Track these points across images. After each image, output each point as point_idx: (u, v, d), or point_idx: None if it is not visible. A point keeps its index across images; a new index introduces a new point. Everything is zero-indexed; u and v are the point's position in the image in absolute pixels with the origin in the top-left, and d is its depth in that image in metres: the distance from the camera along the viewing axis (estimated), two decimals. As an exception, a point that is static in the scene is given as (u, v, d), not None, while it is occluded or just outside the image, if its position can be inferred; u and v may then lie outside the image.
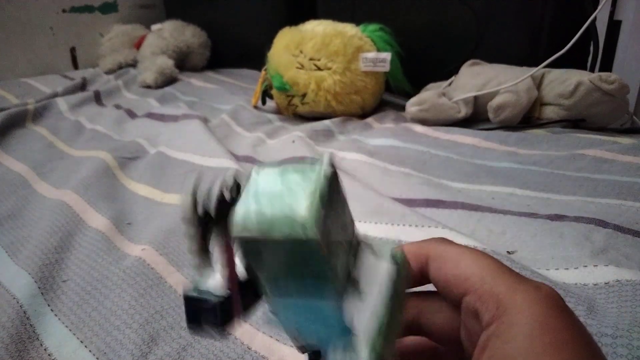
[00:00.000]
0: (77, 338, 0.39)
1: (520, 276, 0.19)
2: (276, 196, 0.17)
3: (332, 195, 0.18)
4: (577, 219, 0.49)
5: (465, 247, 0.21)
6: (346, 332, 0.18)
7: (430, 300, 0.23)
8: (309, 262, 0.17)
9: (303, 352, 0.22)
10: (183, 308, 0.19)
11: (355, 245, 0.20)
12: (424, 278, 0.22)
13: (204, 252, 0.18)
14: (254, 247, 0.18)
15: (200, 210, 0.18)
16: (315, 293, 0.18)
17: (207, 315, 0.19)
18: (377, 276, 0.19)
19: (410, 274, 0.21)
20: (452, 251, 0.21)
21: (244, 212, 0.17)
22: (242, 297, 0.19)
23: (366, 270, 0.19)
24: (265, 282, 0.19)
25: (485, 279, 0.19)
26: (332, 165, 0.18)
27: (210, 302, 0.18)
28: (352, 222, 0.20)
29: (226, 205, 0.19)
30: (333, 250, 0.18)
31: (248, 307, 0.20)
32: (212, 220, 0.19)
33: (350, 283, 0.19)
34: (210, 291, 0.19)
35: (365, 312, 0.18)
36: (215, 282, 0.19)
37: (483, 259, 0.20)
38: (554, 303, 0.18)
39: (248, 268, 0.19)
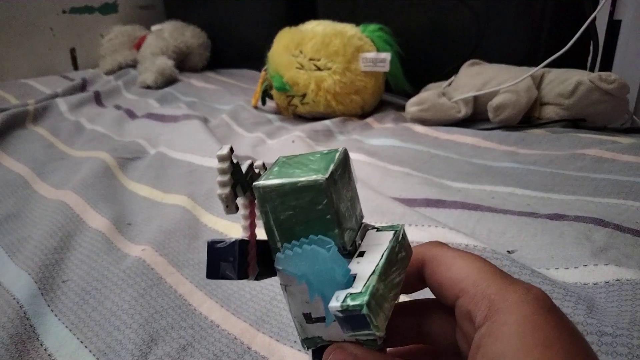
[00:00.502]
0: (77, 338, 0.39)
1: (511, 278, 0.20)
2: (296, 163, 0.22)
3: (343, 171, 0.22)
4: (577, 219, 0.49)
5: (459, 250, 0.22)
6: (349, 285, 0.20)
7: (429, 307, 0.24)
8: (318, 207, 0.20)
9: (308, 348, 0.23)
10: (205, 259, 0.21)
11: (363, 228, 0.23)
12: (420, 282, 0.23)
13: (232, 198, 0.21)
14: (274, 198, 0.21)
15: (234, 161, 0.21)
16: (322, 241, 0.21)
17: (226, 254, 0.21)
18: (379, 241, 0.22)
19: (409, 245, 0.22)
20: (446, 254, 0.22)
21: (268, 174, 0.21)
22: (258, 254, 0.22)
23: (370, 241, 0.22)
24: (280, 235, 0.21)
25: (477, 282, 0.20)
26: (346, 151, 0.23)
27: (230, 241, 0.21)
28: (360, 208, 0.23)
29: (254, 174, 0.22)
30: (340, 203, 0.21)
31: (262, 272, 0.22)
32: (241, 176, 0.21)
33: (356, 253, 0.22)
34: (231, 240, 0.21)
35: (365, 263, 0.20)
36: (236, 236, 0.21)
37: (476, 262, 0.21)
38: (543, 303, 0.19)
39: (266, 223, 0.22)
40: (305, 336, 0.23)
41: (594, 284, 0.39)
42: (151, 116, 1.03)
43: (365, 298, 0.19)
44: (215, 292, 0.44)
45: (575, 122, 0.85)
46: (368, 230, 0.23)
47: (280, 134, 0.92)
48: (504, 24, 1.04)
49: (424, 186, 0.63)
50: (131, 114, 1.07)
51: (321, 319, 0.22)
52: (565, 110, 0.85)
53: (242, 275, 0.21)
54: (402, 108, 1.01)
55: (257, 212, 0.22)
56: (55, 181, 0.69)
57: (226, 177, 0.20)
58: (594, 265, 0.41)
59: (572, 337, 0.18)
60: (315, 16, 1.17)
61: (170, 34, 1.53)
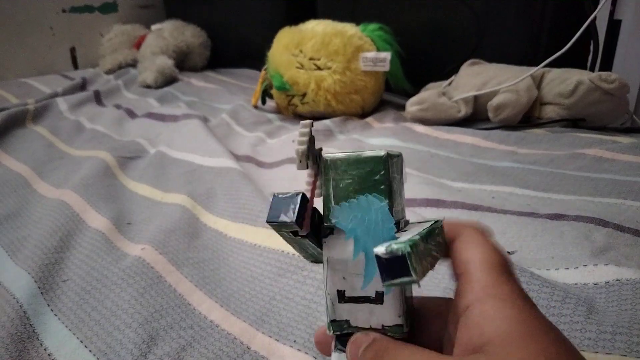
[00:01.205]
0: (77, 338, 0.39)
1: (511, 276, 0.22)
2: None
3: (398, 164, 0.25)
4: (577, 218, 0.49)
5: (488, 241, 0.23)
6: (390, 229, 0.22)
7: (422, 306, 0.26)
8: (375, 177, 0.23)
9: (333, 332, 0.24)
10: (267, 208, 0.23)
11: (405, 222, 0.25)
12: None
13: (306, 155, 0.24)
14: (339, 166, 0.24)
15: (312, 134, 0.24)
16: (376, 197, 0.23)
17: (288, 201, 0.23)
18: (420, 226, 0.23)
19: (445, 240, 0.24)
20: (476, 239, 0.23)
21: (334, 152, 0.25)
22: (311, 220, 0.24)
23: (412, 227, 0.24)
24: (336, 202, 0.24)
25: (481, 268, 0.22)
26: (401, 155, 0.25)
27: (292, 194, 0.23)
28: (404, 206, 0.26)
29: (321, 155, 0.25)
30: (392, 181, 0.24)
31: (311, 234, 0.24)
32: (313, 148, 0.24)
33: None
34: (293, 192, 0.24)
35: (408, 234, 0.22)
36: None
37: (492, 252, 0.22)
38: (531, 302, 0.20)
39: (326, 191, 0.24)
40: (334, 318, 0.24)
41: (594, 284, 0.39)
42: (151, 115, 1.03)
43: (409, 243, 0.20)
44: (214, 291, 0.44)
45: (575, 121, 0.85)
46: (410, 223, 0.26)
47: (280, 133, 0.92)
48: (504, 24, 1.04)
49: (424, 186, 0.63)
50: (131, 114, 1.07)
51: (353, 299, 0.24)
52: (566, 110, 0.85)
53: (299, 221, 0.23)
54: (402, 108, 1.01)
55: (318, 185, 0.25)
56: (55, 180, 0.69)
57: (305, 137, 0.24)
58: (594, 265, 0.41)
59: (556, 329, 0.19)
60: (315, 16, 1.17)
61: (170, 34, 1.53)
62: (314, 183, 0.24)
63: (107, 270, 0.47)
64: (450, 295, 0.28)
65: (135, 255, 0.49)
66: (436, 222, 0.24)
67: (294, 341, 0.37)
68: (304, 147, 0.23)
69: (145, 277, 0.45)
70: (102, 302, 0.43)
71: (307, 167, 0.24)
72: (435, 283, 0.42)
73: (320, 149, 0.25)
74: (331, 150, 0.25)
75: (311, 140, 0.24)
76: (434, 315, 0.25)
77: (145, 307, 0.41)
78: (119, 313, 0.41)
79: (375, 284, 0.23)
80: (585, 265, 0.41)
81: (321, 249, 0.25)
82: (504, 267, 0.22)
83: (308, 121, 0.24)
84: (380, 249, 0.20)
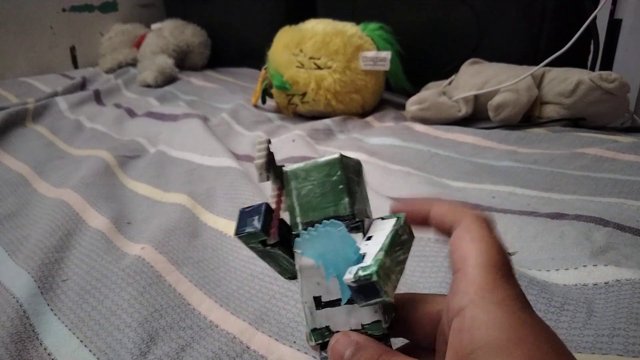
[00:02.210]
0: (77, 337, 0.39)
1: (509, 275, 0.21)
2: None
3: (356, 168, 0.26)
4: (578, 218, 0.49)
5: (489, 234, 0.23)
6: (359, 262, 0.22)
7: (411, 300, 0.26)
8: (333, 178, 0.24)
9: (315, 341, 0.24)
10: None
11: (370, 221, 0.26)
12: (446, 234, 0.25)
13: (266, 168, 0.25)
14: (299, 175, 0.25)
15: (270, 150, 0.26)
16: (334, 224, 0.23)
17: (253, 212, 0.24)
18: (383, 226, 0.24)
19: (412, 231, 0.25)
20: (477, 230, 0.23)
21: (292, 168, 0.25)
22: (279, 230, 0.24)
23: (375, 228, 0.25)
24: (300, 209, 0.25)
25: (478, 266, 0.21)
26: (360, 162, 0.27)
27: (257, 205, 0.24)
28: (369, 208, 0.26)
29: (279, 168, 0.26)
30: (350, 182, 0.25)
31: (280, 244, 0.25)
32: (274, 165, 0.25)
33: (365, 237, 0.24)
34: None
35: (373, 245, 0.23)
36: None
37: (492, 250, 0.22)
38: (527, 304, 0.20)
39: (290, 202, 0.25)
40: (314, 326, 0.24)
41: (594, 284, 0.39)
42: (151, 115, 1.03)
43: (374, 268, 0.21)
44: (214, 291, 0.44)
45: (575, 121, 0.85)
46: (373, 221, 0.26)
47: (281, 132, 0.92)
48: (505, 23, 1.04)
49: (424, 185, 0.62)
50: (131, 113, 1.07)
51: (330, 303, 0.24)
52: (566, 110, 0.85)
53: (265, 229, 0.24)
54: (402, 107, 1.01)
55: (283, 200, 0.25)
56: (55, 180, 0.69)
57: (263, 152, 0.25)
58: (594, 266, 0.41)
59: (551, 332, 0.19)
60: (315, 15, 1.17)
61: (170, 33, 1.53)
62: (278, 196, 0.25)
63: (107, 269, 0.47)
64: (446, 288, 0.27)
65: (135, 254, 0.48)
66: (397, 218, 0.24)
67: (294, 341, 0.37)
68: (262, 160, 0.25)
69: (145, 276, 0.45)
70: (102, 302, 0.43)
71: (267, 179, 0.25)
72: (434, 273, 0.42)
73: (282, 165, 0.26)
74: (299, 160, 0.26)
75: (270, 155, 0.25)
76: (427, 312, 0.25)
77: (145, 306, 0.41)
78: (118, 312, 0.41)
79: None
80: (585, 266, 0.41)
81: (293, 259, 0.25)
82: (502, 267, 0.21)
83: (264, 138, 0.26)
84: (348, 277, 0.21)
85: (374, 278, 0.21)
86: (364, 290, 0.21)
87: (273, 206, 0.25)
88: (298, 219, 0.25)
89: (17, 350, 0.38)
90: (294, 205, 0.25)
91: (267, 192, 0.62)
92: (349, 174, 0.25)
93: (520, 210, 0.54)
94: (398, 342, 0.26)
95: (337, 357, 0.23)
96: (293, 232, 0.25)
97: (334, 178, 0.24)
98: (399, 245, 0.23)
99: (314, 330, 0.24)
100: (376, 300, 0.21)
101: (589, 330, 0.34)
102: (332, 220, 0.24)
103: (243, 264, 0.48)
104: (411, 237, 0.25)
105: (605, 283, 0.39)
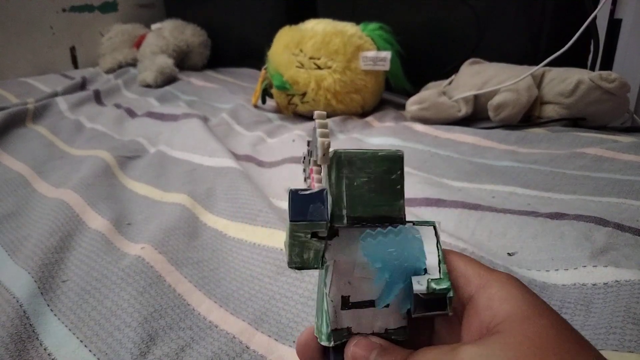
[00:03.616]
0: (77, 337, 0.39)
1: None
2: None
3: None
4: (578, 218, 0.49)
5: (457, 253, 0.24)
6: (423, 264, 0.22)
7: None
8: (392, 176, 0.23)
9: (334, 342, 0.23)
10: (288, 205, 0.22)
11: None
12: None
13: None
14: (354, 163, 0.22)
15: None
16: (386, 213, 0.22)
17: (315, 198, 0.22)
18: (422, 232, 0.23)
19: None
20: (455, 255, 0.24)
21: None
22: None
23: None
24: (348, 201, 0.22)
25: (468, 264, 0.23)
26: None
27: (315, 191, 0.22)
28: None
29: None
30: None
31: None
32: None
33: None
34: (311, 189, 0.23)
35: (426, 248, 0.22)
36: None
37: (466, 256, 0.24)
38: (523, 284, 0.21)
39: (337, 189, 0.23)
40: (335, 327, 0.23)
41: (593, 284, 0.39)
42: (151, 115, 1.03)
43: (449, 283, 0.21)
44: (214, 291, 0.44)
45: (575, 121, 0.85)
46: (404, 224, 0.24)
47: (281, 132, 0.92)
48: (505, 23, 1.04)
49: (424, 185, 0.62)
50: (131, 113, 1.07)
51: (358, 304, 0.23)
52: (566, 109, 0.85)
53: (327, 218, 0.22)
54: (402, 107, 1.01)
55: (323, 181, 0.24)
56: (55, 180, 0.69)
57: (327, 129, 0.23)
58: (594, 266, 0.41)
59: (555, 312, 0.20)
60: (315, 15, 1.17)
61: (170, 33, 1.53)
62: (318, 180, 0.24)
63: (107, 270, 0.47)
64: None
65: (135, 254, 0.48)
66: (434, 228, 0.24)
67: (293, 341, 0.37)
68: (329, 139, 0.23)
69: (144, 276, 0.45)
70: (101, 302, 0.43)
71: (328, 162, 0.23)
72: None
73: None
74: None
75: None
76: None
77: (145, 306, 0.41)
78: (118, 313, 0.41)
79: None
80: (585, 266, 0.41)
81: (324, 251, 0.23)
82: (480, 264, 0.23)
83: (323, 112, 0.23)
84: (420, 288, 0.21)
85: (451, 294, 0.21)
86: (432, 302, 0.21)
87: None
88: (344, 212, 0.22)
89: (17, 350, 0.38)
90: (342, 195, 0.22)
91: (266, 191, 0.62)
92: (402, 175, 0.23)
93: (520, 210, 0.54)
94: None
95: (363, 356, 0.22)
96: (333, 224, 0.22)
97: (393, 177, 0.23)
98: (442, 259, 0.23)
99: (335, 330, 0.23)
100: (438, 313, 0.21)
101: (586, 331, 0.34)
102: (409, 226, 0.22)
103: (243, 264, 0.48)
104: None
105: (604, 284, 0.39)
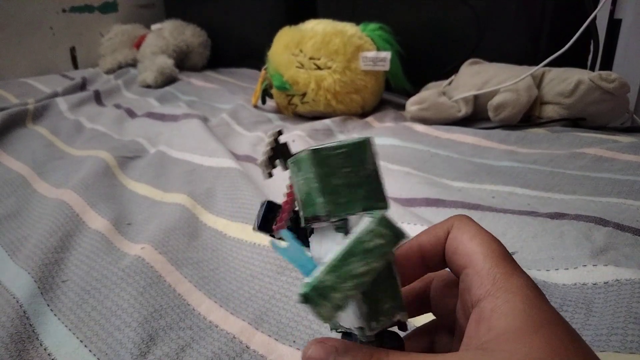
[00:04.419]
0: (77, 337, 0.39)
1: (517, 265, 0.22)
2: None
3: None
4: (578, 217, 0.49)
5: (482, 228, 0.23)
6: (310, 270, 0.21)
7: (440, 276, 0.26)
8: (312, 182, 0.22)
9: (337, 330, 0.24)
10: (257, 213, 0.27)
11: (359, 218, 0.24)
12: (442, 262, 0.25)
13: (268, 166, 0.26)
14: (320, 159, 0.22)
15: (280, 141, 0.26)
16: (313, 209, 0.23)
17: (259, 215, 0.26)
18: (356, 229, 0.22)
19: (396, 233, 0.21)
20: (471, 227, 0.23)
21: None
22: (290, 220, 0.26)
23: (355, 225, 0.23)
24: (301, 204, 0.24)
25: (487, 259, 0.21)
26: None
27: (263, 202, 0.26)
28: (361, 197, 0.25)
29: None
30: (334, 177, 0.23)
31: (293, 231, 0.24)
32: (287, 153, 0.26)
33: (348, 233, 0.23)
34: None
35: (332, 253, 0.21)
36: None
37: (492, 242, 0.22)
38: (540, 291, 0.21)
39: (304, 190, 0.23)
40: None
41: (593, 284, 0.39)
42: (151, 115, 1.03)
43: (306, 289, 0.20)
44: (214, 291, 0.44)
45: (575, 121, 0.85)
46: (363, 216, 0.24)
47: (280, 133, 0.92)
48: (504, 23, 1.04)
49: (424, 185, 0.62)
50: (131, 113, 1.07)
51: None
52: (566, 110, 0.85)
53: (261, 228, 0.26)
54: (402, 107, 1.01)
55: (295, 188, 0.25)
56: (55, 180, 0.69)
57: (268, 147, 0.25)
58: (594, 266, 0.41)
59: (565, 321, 0.20)
60: (315, 15, 1.17)
61: (170, 33, 1.53)
62: (290, 187, 0.26)
63: (107, 270, 0.47)
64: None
65: (135, 254, 0.48)
66: (372, 219, 0.21)
67: (293, 341, 0.37)
68: (264, 157, 0.26)
69: (144, 276, 0.45)
70: (101, 302, 0.43)
71: (270, 177, 0.26)
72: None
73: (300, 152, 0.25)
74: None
75: (277, 149, 0.26)
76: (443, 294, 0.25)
77: (145, 306, 0.41)
78: (118, 313, 0.41)
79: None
80: (585, 266, 0.41)
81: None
82: (507, 257, 0.22)
83: (275, 130, 0.26)
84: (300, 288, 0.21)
85: (301, 301, 0.20)
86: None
87: (283, 199, 0.25)
88: (301, 213, 0.24)
89: (17, 350, 0.38)
90: (298, 198, 0.24)
91: (266, 191, 0.62)
92: (334, 170, 0.22)
93: (520, 210, 0.54)
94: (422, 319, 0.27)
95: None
96: (302, 225, 0.25)
97: (312, 178, 0.22)
98: (357, 255, 0.20)
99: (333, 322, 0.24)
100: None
101: (587, 330, 0.34)
102: (286, 229, 0.23)
103: (243, 264, 0.48)
104: (389, 239, 0.21)
105: (604, 283, 0.39)
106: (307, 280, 0.20)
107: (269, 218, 0.27)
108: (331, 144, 0.23)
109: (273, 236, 0.26)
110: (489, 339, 0.19)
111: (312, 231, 0.25)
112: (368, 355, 0.21)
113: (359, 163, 0.23)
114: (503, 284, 0.20)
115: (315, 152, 0.22)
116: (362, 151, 0.23)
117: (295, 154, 0.25)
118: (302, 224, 0.24)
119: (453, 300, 0.24)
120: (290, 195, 0.25)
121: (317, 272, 0.20)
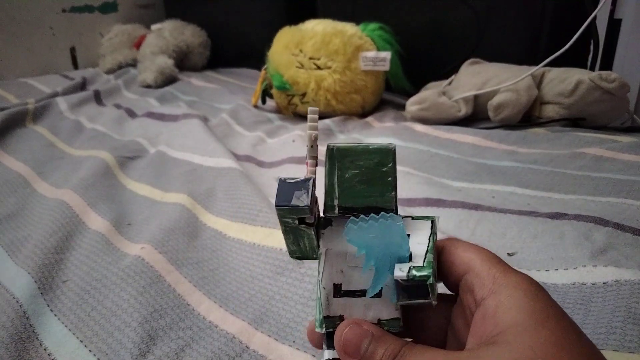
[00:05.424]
0: (77, 338, 0.39)
1: (512, 267, 0.22)
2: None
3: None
4: (578, 217, 0.49)
5: (473, 244, 0.24)
6: (406, 260, 0.22)
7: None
8: (383, 168, 0.23)
9: (326, 329, 0.24)
10: (275, 191, 0.23)
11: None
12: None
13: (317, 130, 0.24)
14: (346, 156, 0.23)
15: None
16: (378, 204, 0.23)
17: (299, 186, 0.23)
18: (419, 226, 0.24)
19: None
20: (463, 242, 0.24)
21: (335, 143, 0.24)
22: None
23: (410, 226, 0.24)
24: (340, 192, 0.24)
25: (484, 263, 0.22)
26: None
27: (301, 179, 0.23)
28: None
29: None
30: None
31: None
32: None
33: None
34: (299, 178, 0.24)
35: (414, 244, 0.23)
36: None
37: (485, 252, 0.23)
38: (538, 286, 0.21)
39: (329, 181, 0.24)
40: (327, 314, 0.23)
41: (592, 284, 0.39)
42: (151, 115, 1.03)
43: (430, 271, 0.21)
44: (213, 291, 0.44)
45: (575, 121, 0.85)
46: (405, 218, 0.25)
47: (281, 133, 0.92)
48: (504, 23, 1.04)
49: (424, 185, 0.62)
50: (131, 113, 1.07)
51: (349, 293, 0.23)
52: (566, 109, 0.85)
53: (312, 204, 0.23)
54: (402, 107, 1.01)
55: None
56: (55, 180, 0.69)
57: (316, 123, 0.24)
58: (593, 266, 0.41)
59: (568, 315, 0.20)
60: (315, 15, 1.17)
61: (170, 33, 1.53)
62: (315, 172, 0.24)
63: (107, 270, 0.47)
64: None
65: (135, 254, 0.48)
66: (432, 223, 0.24)
67: (293, 341, 0.37)
68: (316, 132, 0.24)
69: (144, 276, 0.45)
70: (101, 302, 0.43)
71: (316, 154, 0.24)
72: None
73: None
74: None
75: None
76: (433, 310, 0.25)
77: (145, 306, 0.41)
78: (118, 313, 0.41)
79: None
80: (585, 266, 0.41)
81: (318, 240, 0.24)
82: (501, 260, 0.23)
83: (315, 108, 0.25)
84: (400, 274, 0.21)
85: (430, 281, 0.21)
86: (413, 290, 0.21)
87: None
88: (336, 202, 0.24)
89: (17, 350, 0.38)
90: (334, 186, 0.24)
91: (266, 191, 0.62)
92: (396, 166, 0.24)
93: (520, 210, 0.54)
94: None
95: (352, 348, 0.22)
96: (326, 214, 0.24)
97: (384, 169, 0.23)
98: (432, 249, 0.23)
99: (327, 317, 0.23)
100: (421, 301, 0.21)
101: (585, 329, 0.34)
102: (391, 213, 0.23)
103: (242, 264, 0.48)
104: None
105: (604, 283, 0.39)
106: (417, 264, 0.21)
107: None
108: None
109: (302, 219, 0.23)
110: (497, 333, 0.19)
111: (329, 224, 0.24)
112: (399, 346, 0.21)
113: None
114: (504, 281, 0.21)
115: (390, 145, 0.23)
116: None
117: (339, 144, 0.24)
118: (335, 213, 0.24)
119: (437, 319, 0.25)
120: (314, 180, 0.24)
121: (424, 259, 0.22)
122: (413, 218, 0.24)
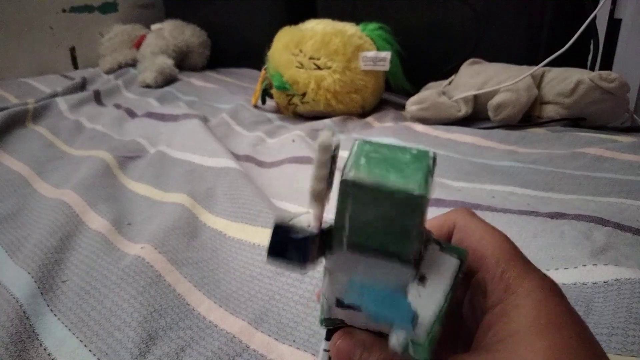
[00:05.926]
0: (77, 337, 0.39)
1: (530, 264, 0.22)
2: (386, 160, 0.19)
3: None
4: (578, 217, 0.49)
5: (488, 225, 0.23)
6: (409, 313, 0.19)
7: None
8: (406, 222, 0.19)
9: (326, 326, 0.23)
10: (268, 238, 0.20)
11: (425, 238, 0.22)
12: None
13: (324, 195, 0.20)
14: (362, 197, 0.19)
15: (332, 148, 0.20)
16: (393, 250, 0.19)
17: (295, 244, 0.19)
18: (442, 268, 0.21)
19: (442, 227, 0.22)
20: (477, 226, 0.23)
21: (356, 165, 0.19)
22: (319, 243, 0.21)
23: (432, 263, 0.21)
24: (350, 231, 0.20)
25: (500, 262, 0.21)
26: (436, 158, 0.20)
27: (302, 234, 0.19)
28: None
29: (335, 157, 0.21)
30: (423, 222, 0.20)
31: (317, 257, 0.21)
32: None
33: (417, 269, 0.20)
34: (300, 226, 0.20)
35: (427, 298, 0.20)
36: (305, 220, 0.20)
37: (502, 241, 0.22)
38: (556, 291, 0.21)
39: (340, 214, 0.20)
40: (328, 316, 0.23)
41: (593, 283, 0.39)
42: (151, 115, 1.03)
43: (427, 352, 0.19)
44: (214, 291, 0.44)
45: (575, 121, 0.85)
46: (431, 243, 0.22)
47: (280, 133, 0.92)
48: (504, 23, 1.04)
49: (424, 185, 0.62)
50: (131, 113, 1.07)
51: (352, 307, 0.22)
52: (566, 109, 0.85)
53: (308, 262, 0.20)
54: (402, 107, 1.01)
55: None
56: (55, 180, 0.69)
57: (325, 171, 0.19)
58: (593, 265, 0.41)
59: (579, 322, 0.20)
60: (315, 15, 1.17)
61: (170, 33, 1.53)
62: (324, 207, 0.21)
63: (107, 270, 0.47)
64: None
65: (135, 254, 0.48)
66: (460, 263, 0.21)
67: (293, 340, 0.37)
68: (322, 186, 0.19)
69: (144, 276, 0.45)
70: (101, 302, 0.43)
71: (323, 209, 0.20)
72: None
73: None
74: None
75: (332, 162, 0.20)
76: None
77: (145, 306, 0.41)
78: (118, 312, 0.41)
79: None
80: (585, 265, 0.41)
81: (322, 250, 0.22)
82: (518, 255, 0.22)
83: (328, 141, 0.20)
84: (394, 344, 0.19)
85: (425, 358, 0.19)
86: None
87: (315, 223, 0.20)
88: (344, 239, 0.20)
89: (17, 350, 0.38)
90: (344, 222, 0.20)
91: (267, 191, 0.62)
92: (425, 215, 0.19)
93: (520, 210, 0.54)
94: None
95: (344, 358, 0.22)
96: (334, 243, 0.20)
97: (406, 223, 0.19)
98: (453, 296, 0.20)
99: (327, 319, 0.23)
100: None
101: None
102: (396, 239, 0.19)
103: (242, 264, 0.48)
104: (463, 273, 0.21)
105: (604, 282, 0.39)
106: (416, 337, 0.19)
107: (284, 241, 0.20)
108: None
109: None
110: (505, 336, 0.19)
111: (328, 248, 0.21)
112: (392, 354, 0.21)
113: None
114: (516, 289, 0.20)
115: (421, 194, 0.18)
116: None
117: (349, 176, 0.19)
118: (343, 249, 0.20)
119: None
120: (322, 215, 0.21)
121: (428, 330, 0.19)
122: (442, 248, 0.21)
